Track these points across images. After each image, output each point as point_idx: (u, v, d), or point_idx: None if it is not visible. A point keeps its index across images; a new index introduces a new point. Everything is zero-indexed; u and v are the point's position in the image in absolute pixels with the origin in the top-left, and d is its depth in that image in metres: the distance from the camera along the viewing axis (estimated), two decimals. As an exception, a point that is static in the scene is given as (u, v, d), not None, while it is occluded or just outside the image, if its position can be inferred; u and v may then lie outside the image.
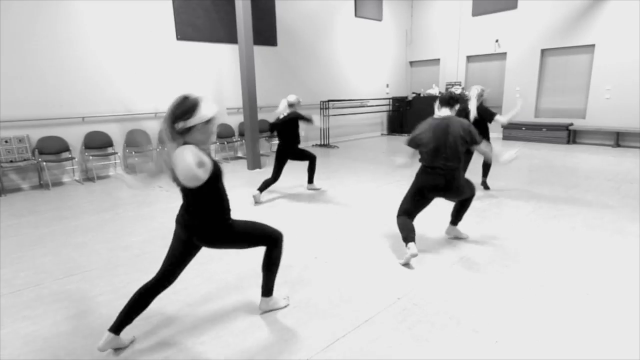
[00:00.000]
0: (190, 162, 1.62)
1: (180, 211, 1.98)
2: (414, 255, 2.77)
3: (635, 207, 4.13)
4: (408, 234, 2.88)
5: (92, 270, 2.95)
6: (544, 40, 9.04)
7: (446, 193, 2.98)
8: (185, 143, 1.79)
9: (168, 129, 1.77)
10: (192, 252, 2.03)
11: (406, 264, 2.90)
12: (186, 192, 1.90)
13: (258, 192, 4.64)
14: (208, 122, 1.85)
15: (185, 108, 1.79)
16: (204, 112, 1.82)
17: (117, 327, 1.95)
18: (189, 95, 1.84)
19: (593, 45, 8.40)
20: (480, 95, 4.53)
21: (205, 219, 1.94)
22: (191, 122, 1.79)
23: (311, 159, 4.95)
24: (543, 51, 9.16)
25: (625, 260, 2.91)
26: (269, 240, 2.14)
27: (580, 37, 8.52)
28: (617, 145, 8.23)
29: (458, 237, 3.39)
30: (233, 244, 2.09)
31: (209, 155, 1.86)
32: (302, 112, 4.58)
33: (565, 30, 8.69)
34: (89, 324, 2.24)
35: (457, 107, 3.01)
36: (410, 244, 2.81)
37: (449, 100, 2.98)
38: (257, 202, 4.64)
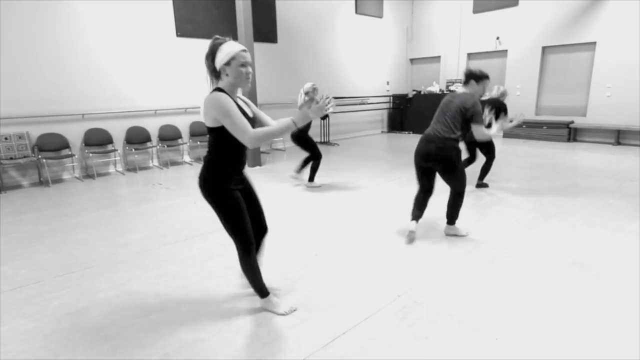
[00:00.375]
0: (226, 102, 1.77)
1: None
2: (411, 232, 3.10)
3: (636, 205, 4.13)
4: (412, 211, 3.25)
5: (92, 267, 2.95)
6: (545, 38, 9.01)
7: (436, 162, 3.10)
8: (219, 88, 1.85)
9: (210, 74, 1.89)
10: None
11: (410, 241, 3.23)
12: (210, 135, 1.92)
13: (296, 172, 5.13)
14: (228, 63, 1.84)
15: (209, 51, 1.85)
16: (224, 53, 1.82)
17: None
18: (216, 37, 1.87)
19: (594, 43, 8.38)
20: (502, 94, 4.94)
21: (211, 169, 1.93)
22: (215, 65, 1.85)
23: (317, 157, 4.97)
24: (544, 49, 9.13)
25: (626, 258, 2.91)
26: (239, 239, 2.04)
27: (581, 35, 8.49)
28: (618, 143, 8.22)
29: (457, 235, 3.39)
30: (216, 207, 1.99)
31: (242, 109, 1.88)
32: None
33: (566, 27, 8.67)
34: (89, 321, 2.24)
35: (472, 82, 3.16)
36: (412, 222, 3.15)
37: (465, 77, 3.22)
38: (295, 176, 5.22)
